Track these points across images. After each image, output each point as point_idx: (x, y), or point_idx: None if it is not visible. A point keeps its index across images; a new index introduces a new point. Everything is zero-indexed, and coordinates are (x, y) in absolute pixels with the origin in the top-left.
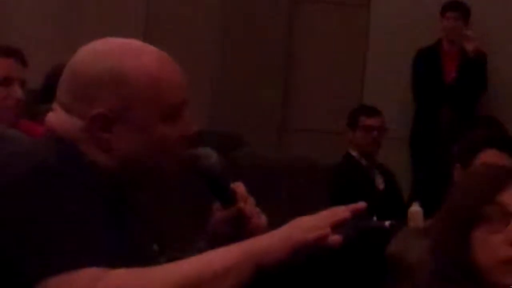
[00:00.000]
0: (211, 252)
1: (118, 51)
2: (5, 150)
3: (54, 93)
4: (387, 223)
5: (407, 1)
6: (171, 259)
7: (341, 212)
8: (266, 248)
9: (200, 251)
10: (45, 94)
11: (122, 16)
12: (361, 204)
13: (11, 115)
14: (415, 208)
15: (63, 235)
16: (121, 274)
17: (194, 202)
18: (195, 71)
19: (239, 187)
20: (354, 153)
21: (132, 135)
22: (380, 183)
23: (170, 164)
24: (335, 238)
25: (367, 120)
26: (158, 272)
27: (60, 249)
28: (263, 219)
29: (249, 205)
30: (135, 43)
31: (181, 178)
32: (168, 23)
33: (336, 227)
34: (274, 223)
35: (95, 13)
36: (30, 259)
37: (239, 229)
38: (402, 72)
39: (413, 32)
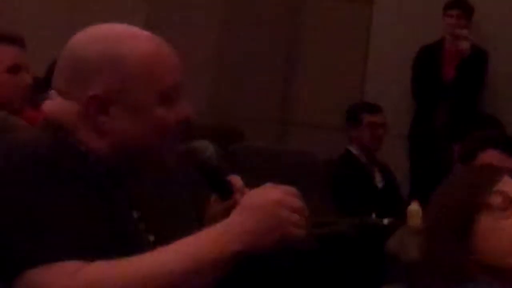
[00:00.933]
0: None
1: (113, 34)
2: (2, 139)
3: None
4: (385, 220)
5: None
6: None
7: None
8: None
9: None
10: (47, 84)
11: (124, 2)
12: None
13: (18, 103)
14: (414, 207)
15: (48, 227)
16: (99, 266)
17: (191, 194)
18: (195, 62)
19: (236, 179)
20: (354, 150)
21: (128, 117)
22: (379, 180)
23: (166, 148)
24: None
25: (370, 117)
26: (135, 263)
27: (43, 241)
28: None
29: None
30: (129, 28)
31: (178, 169)
32: (169, 12)
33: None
34: None
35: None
36: (14, 250)
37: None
38: (403, 69)
39: (415, 29)
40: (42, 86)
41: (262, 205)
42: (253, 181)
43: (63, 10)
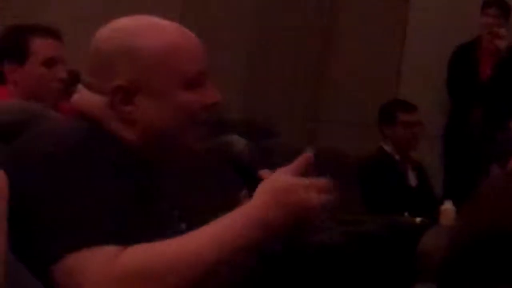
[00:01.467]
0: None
1: (134, 25)
2: (36, 129)
3: None
4: (418, 220)
5: None
6: None
7: None
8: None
9: None
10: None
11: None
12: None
13: (54, 96)
14: (448, 206)
15: (88, 212)
16: (137, 251)
17: (222, 188)
18: (228, 58)
19: (267, 174)
20: (387, 148)
21: (154, 104)
22: (412, 179)
23: (194, 133)
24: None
25: (406, 116)
26: (172, 247)
27: (82, 226)
28: None
29: None
30: (150, 18)
31: (208, 159)
32: (203, 6)
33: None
34: None
35: None
36: (51, 237)
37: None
38: (438, 68)
39: (452, 28)
40: (77, 79)
41: (283, 188)
42: None
43: (99, 4)
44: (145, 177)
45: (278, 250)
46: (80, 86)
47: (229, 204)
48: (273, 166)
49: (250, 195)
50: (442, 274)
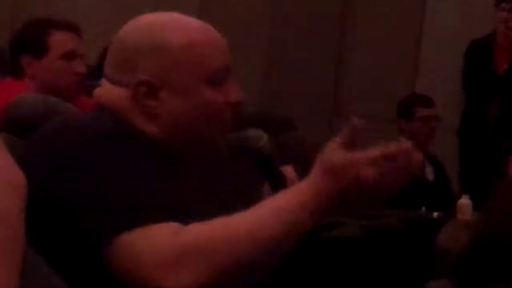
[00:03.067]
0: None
1: (159, 21)
2: (59, 120)
3: None
4: (435, 214)
5: None
6: None
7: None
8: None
9: None
10: (99, 72)
11: None
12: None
13: (72, 90)
14: (465, 201)
15: (137, 192)
16: (198, 229)
17: (243, 183)
18: (247, 51)
19: (289, 170)
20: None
21: (178, 100)
22: (430, 173)
23: (216, 130)
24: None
25: (424, 110)
26: (232, 223)
27: (135, 204)
28: None
29: None
30: (175, 15)
31: (230, 154)
32: (222, 2)
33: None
34: None
35: None
36: (102, 219)
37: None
38: (455, 63)
39: (469, 21)
40: (94, 73)
41: (340, 168)
42: (303, 172)
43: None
44: (166, 169)
45: (297, 244)
46: (102, 80)
47: (251, 200)
48: (291, 160)
49: (270, 190)
50: (460, 270)
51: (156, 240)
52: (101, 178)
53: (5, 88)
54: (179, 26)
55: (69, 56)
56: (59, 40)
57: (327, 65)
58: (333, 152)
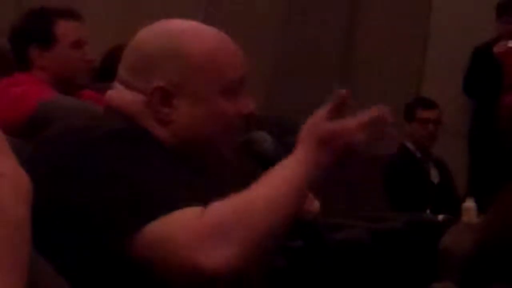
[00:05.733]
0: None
1: (177, 29)
2: (68, 122)
3: (110, 74)
4: (440, 217)
5: None
6: None
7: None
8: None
9: None
10: (101, 75)
11: None
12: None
13: (83, 78)
14: (469, 204)
15: (153, 185)
16: (218, 207)
17: (247, 185)
18: (254, 55)
19: None
20: (409, 145)
21: (192, 108)
22: (435, 176)
23: (226, 141)
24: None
25: (423, 112)
26: (249, 197)
27: (152, 197)
28: (315, 204)
29: None
30: (194, 23)
31: (236, 160)
32: (229, 2)
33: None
34: (330, 211)
35: None
36: (122, 212)
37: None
38: (462, 67)
39: (475, 25)
40: (99, 76)
41: (327, 137)
42: None
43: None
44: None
45: (301, 246)
46: (115, 83)
47: None
48: None
49: None
50: (465, 272)
51: (182, 223)
52: (121, 173)
53: (17, 84)
54: (198, 34)
55: (78, 44)
56: (66, 29)
57: (332, 70)
58: (322, 123)
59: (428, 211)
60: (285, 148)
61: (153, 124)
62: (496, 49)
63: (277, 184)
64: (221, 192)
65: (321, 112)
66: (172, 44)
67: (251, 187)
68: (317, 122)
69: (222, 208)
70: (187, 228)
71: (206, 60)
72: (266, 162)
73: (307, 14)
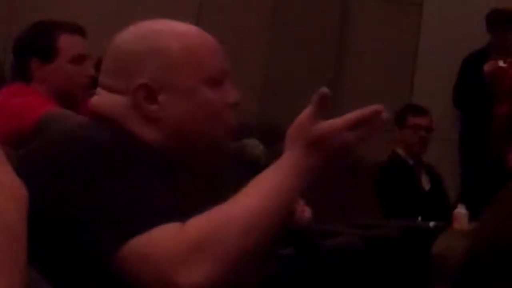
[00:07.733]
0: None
1: (156, 28)
2: (55, 133)
3: None
4: (431, 223)
5: (460, 1)
6: None
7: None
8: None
9: None
10: (94, 82)
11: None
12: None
13: (82, 92)
14: (461, 210)
15: (132, 201)
16: (197, 223)
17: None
18: (244, 61)
19: None
20: (400, 152)
21: (178, 102)
22: (426, 183)
23: (219, 130)
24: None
25: (414, 119)
26: (230, 211)
27: (132, 213)
28: (307, 212)
29: None
30: (171, 22)
31: (227, 166)
32: (220, 10)
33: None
34: (322, 218)
35: None
36: (103, 230)
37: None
38: (453, 73)
39: (465, 33)
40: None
41: (315, 141)
42: None
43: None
44: (166, 175)
45: (293, 253)
46: (98, 89)
47: None
48: None
49: None
50: (458, 279)
51: (161, 242)
52: (102, 190)
53: (17, 94)
54: (174, 31)
55: (79, 59)
56: (67, 44)
57: (324, 77)
58: (308, 125)
59: (419, 218)
60: (277, 155)
61: (141, 125)
62: (487, 67)
63: (263, 194)
64: (210, 197)
65: (306, 115)
66: (150, 41)
67: (236, 197)
68: (303, 125)
69: (202, 224)
70: (166, 247)
71: (185, 53)
72: (258, 168)
73: (297, 23)
